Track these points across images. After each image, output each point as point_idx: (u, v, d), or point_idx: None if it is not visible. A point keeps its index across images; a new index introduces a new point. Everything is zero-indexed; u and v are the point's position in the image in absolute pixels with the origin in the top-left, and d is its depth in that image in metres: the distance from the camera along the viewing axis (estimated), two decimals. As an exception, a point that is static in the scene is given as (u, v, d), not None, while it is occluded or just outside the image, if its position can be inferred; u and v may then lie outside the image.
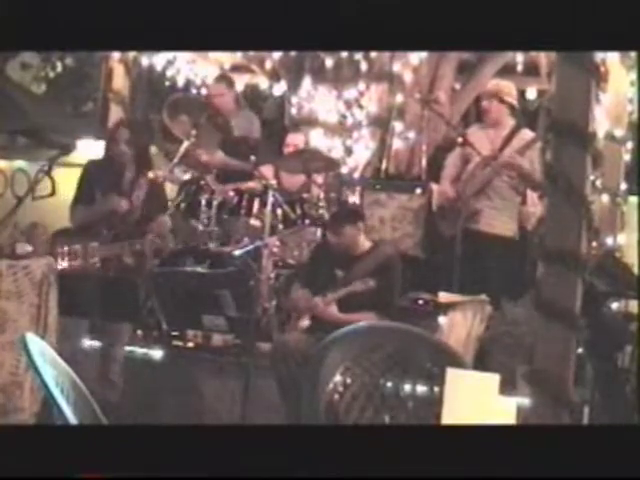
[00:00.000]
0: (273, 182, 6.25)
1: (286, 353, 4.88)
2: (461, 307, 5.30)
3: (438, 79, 7.27)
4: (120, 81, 7.52)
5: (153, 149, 7.64)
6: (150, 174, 5.53)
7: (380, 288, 5.03)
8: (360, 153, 7.21)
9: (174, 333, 5.73)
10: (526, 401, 4.25)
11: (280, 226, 6.15)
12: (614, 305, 5.18)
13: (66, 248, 5.10)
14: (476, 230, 5.98)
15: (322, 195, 6.27)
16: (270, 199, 6.07)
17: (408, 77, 7.17)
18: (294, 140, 6.88)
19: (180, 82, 7.90)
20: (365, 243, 5.31)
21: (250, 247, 5.82)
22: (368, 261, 5.18)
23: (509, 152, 5.98)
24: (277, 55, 7.50)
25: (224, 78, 7.30)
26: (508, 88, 6.26)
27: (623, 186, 6.67)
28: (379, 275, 5.05)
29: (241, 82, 7.98)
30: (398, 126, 7.21)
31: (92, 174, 5.42)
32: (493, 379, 2.54)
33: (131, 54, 7.40)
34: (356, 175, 7.10)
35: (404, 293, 5.69)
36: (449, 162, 6.32)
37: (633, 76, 6.32)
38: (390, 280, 5.16)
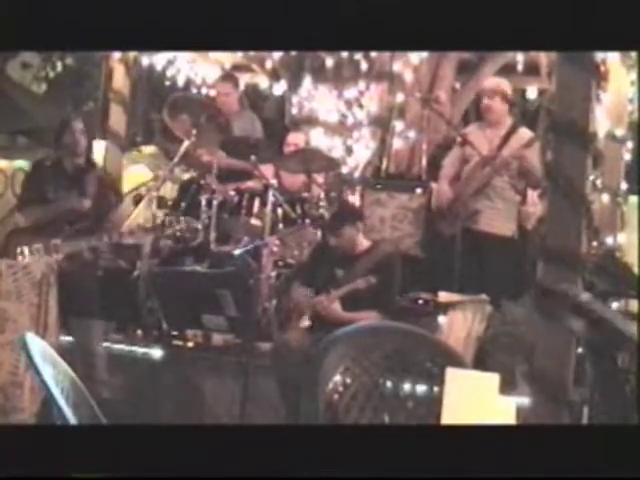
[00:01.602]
0: (273, 182, 6.26)
1: (286, 353, 4.89)
2: (461, 307, 5.30)
3: (438, 79, 7.28)
4: (120, 81, 7.53)
5: (152, 148, 7.67)
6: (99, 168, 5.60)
7: (380, 286, 5.04)
8: (360, 153, 7.21)
9: (174, 333, 5.73)
10: (526, 401, 4.25)
11: (280, 226, 6.15)
12: (614, 305, 5.18)
13: (25, 247, 5.09)
14: (476, 230, 5.99)
15: (322, 195, 6.26)
16: (270, 199, 6.08)
17: (408, 77, 7.18)
18: (294, 140, 6.88)
19: (180, 82, 7.90)
20: (364, 242, 5.32)
21: (250, 247, 5.82)
22: (368, 259, 5.19)
23: (508, 151, 5.97)
24: (277, 55, 7.50)
25: (231, 77, 7.31)
26: (507, 86, 6.27)
27: (623, 186, 6.68)
28: (379, 273, 5.06)
29: (241, 82, 7.97)
30: (398, 126, 7.22)
31: (41, 173, 5.44)
32: (493, 379, 2.54)
33: (131, 54, 7.40)
34: (356, 175, 7.11)
35: (404, 293, 5.70)
36: (447, 162, 6.32)
37: (633, 76, 6.32)
38: (390, 278, 5.17)
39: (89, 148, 5.45)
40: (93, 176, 5.39)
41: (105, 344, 5.38)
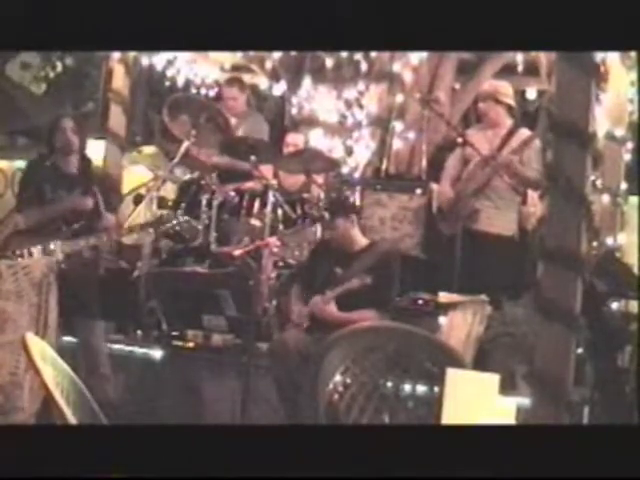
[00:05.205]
0: (273, 182, 6.25)
1: (285, 353, 4.89)
2: (461, 307, 5.29)
3: (438, 79, 7.27)
4: (120, 81, 7.51)
5: (152, 148, 7.67)
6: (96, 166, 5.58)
7: (378, 285, 5.02)
8: (360, 153, 7.20)
9: (174, 333, 5.73)
10: (526, 401, 4.25)
11: (280, 226, 6.15)
12: (614, 305, 5.18)
13: (25, 250, 5.08)
14: (476, 230, 5.99)
15: (322, 195, 6.26)
16: (270, 199, 6.08)
17: (408, 77, 7.17)
18: (294, 140, 6.88)
19: (180, 82, 7.89)
20: (362, 240, 5.31)
21: (250, 247, 5.82)
22: (366, 258, 5.17)
23: (507, 152, 5.98)
24: (277, 55, 7.49)
25: (236, 81, 7.31)
26: (504, 88, 6.26)
27: (623, 186, 6.66)
28: (377, 272, 5.05)
29: (241, 82, 7.97)
30: (398, 126, 7.21)
31: (37, 173, 5.41)
32: (493, 379, 2.54)
33: (131, 54, 7.39)
34: (356, 175, 7.10)
35: (404, 293, 5.69)
36: (449, 163, 6.32)
37: (633, 76, 6.30)
38: (388, 277, 5.16)
39: (82, 146, 5.41)
40: (90, 174, 5.38)
41: (106, 344, 5.39)
